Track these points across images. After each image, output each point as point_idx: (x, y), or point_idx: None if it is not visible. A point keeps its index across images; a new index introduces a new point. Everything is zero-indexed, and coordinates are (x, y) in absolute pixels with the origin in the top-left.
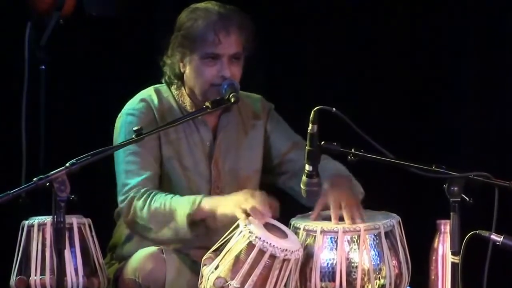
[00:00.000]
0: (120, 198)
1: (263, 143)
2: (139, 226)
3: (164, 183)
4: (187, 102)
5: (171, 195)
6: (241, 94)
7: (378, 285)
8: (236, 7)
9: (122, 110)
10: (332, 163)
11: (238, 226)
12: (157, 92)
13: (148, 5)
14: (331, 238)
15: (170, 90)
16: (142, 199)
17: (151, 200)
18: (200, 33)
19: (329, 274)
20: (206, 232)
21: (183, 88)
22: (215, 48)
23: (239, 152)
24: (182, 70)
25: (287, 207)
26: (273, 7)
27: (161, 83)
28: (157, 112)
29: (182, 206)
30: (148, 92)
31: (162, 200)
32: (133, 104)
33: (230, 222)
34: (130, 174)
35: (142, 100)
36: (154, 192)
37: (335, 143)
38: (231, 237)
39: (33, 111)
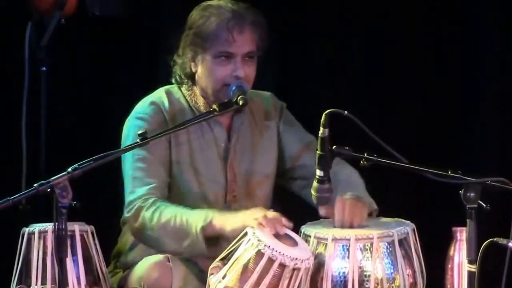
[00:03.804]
0: (126, 207)
1: (277, 145)
2: (149, 238)
3: (174, 188)
4: (201, 102)
5: (181, 207)
6: (251, 93)
7: None
8: (249, 4)
9: (131, 113)
10: (344, 171)
11: (246, 234)
12: (168, 93)
13: (153, 4)
14: (343, 246)
15: (181, 91)
16: (151, 210)
17: (161, 212)
18: (213, 31)
19: (340, 284)
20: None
21: (194, 87)
22: (229, 46)
23: (254, 154)
24: (193, 69)
25: (297, 213)
26: (285, 6)
27: (170, 83)
28: (167, 115)
29: (194, 220)
30: (159, 94)
31: (172, 213)
32: (142, 107)
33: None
34: (136, 181)
35: (152, 103)
36: (162, 204)
37: (347, 148)
38: (239, 245)
39: (34, 114)
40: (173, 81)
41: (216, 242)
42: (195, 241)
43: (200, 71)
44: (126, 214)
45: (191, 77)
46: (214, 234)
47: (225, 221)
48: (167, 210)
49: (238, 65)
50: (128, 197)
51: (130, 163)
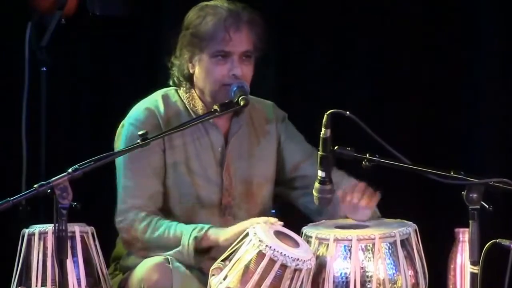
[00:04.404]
0: (117, 215)
1: (276, 153)
2: (139, 249)
3: (171, 192)
4: (199, 105)
5: (175, 222)
6: (252, 99)
7: None
8: (247, 4)
9: (126, 118)
10: (347, 180)
11: (247, 234)
12: (165, 98)
13: (153, 4)
14: (344, 246)
15: (178, 94)
16: (144, 223)
17: (154, 226)
18: (210, 30)
19: (342, 284)
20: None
21: (193, 90)
22: (226, 45)
23: (252, 159)
24: (191, 70)
25: (298, 215)
26: (285, 6)
27: (168, 85)
28: (162, 120)
29: (187, 231)
30: (155, 98)
31: (165, 227)
32: (137, 112)
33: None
34: (129, 191)
35: (147, 109)
36: (156, 219)
37: (349, 148)
38: (240, 246)
39: (34, 114)
40: (171, 83)
41: (202, 257)
42: (185, 251)
43: (197, 71)
44: (118, 225)
45: (189, 78)
46: (208, 245)
47: (221, 232)
48: (160, 224)
49: (235, 63)
50: (120, 206)
51: (122, 172)
